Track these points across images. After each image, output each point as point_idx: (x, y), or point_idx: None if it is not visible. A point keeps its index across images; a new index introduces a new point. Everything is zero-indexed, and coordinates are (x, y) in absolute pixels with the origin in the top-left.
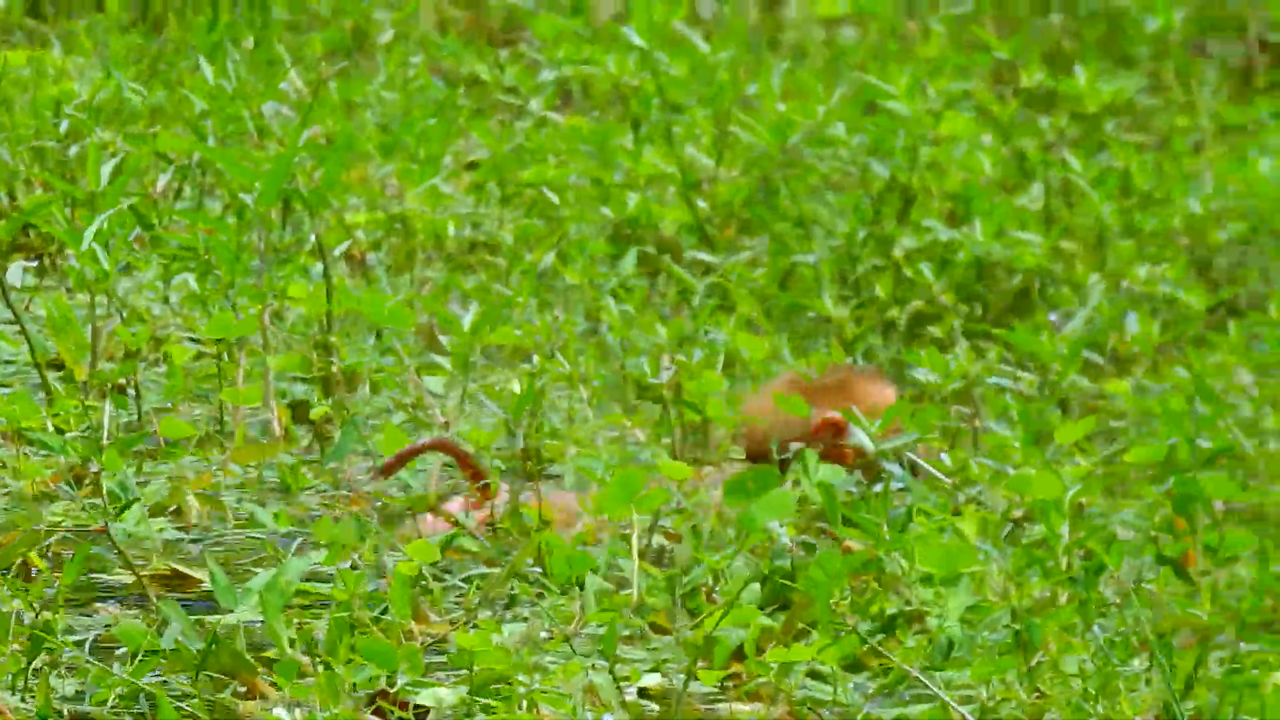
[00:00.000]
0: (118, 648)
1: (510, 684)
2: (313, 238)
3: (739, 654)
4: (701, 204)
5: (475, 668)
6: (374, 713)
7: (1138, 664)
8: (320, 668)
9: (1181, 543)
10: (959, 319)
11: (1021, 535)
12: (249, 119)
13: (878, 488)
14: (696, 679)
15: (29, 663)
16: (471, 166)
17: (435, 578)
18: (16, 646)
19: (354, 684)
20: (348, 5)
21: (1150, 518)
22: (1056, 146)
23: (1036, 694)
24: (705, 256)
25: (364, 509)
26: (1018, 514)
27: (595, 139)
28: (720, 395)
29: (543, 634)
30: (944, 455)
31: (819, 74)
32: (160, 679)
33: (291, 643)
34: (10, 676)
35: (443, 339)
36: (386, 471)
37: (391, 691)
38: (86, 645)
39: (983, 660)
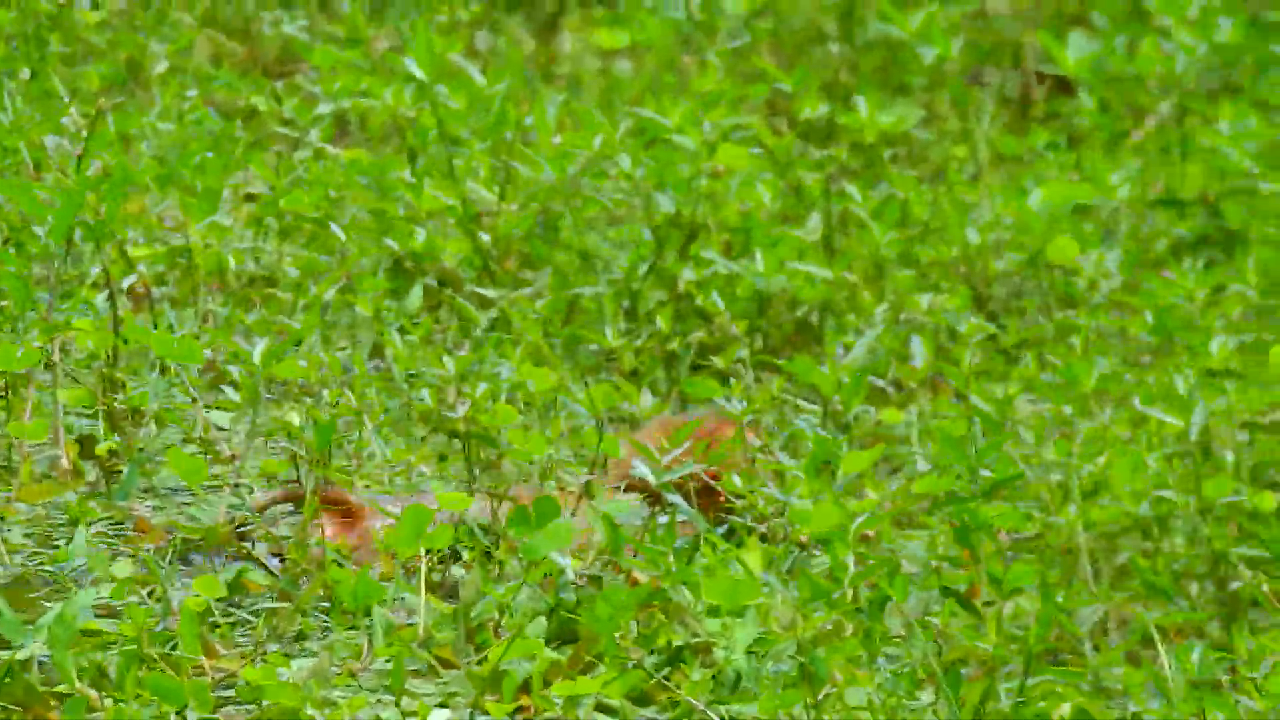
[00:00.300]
0: None
1: (299, 719)
2: (96, 271)
3: (526, 687)
4: (483, 237)
5: (264, 703)
6: None
7: (925, 696)
8: (109, 703)
9: (966, 574)
10: (745, 349)
11: (808, 566)
12: (25, 151)
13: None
14: (484, 713)
15: None
16: (250, 199)
17: (224, 612)
18: None
19: None
20: (123, 38)
21: (935, 549)
22: (835, 177)
23: None
24: (488, 291)
25: (157, 543)
26: (806, 544)
27: (374, 171)
28: (516, 426)
29: (332, 669)
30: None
31: (596, 106)
32: None
33: (80, 677)
34: None
35: (233, 369)
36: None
37: None
38: None
39: (769, 693)
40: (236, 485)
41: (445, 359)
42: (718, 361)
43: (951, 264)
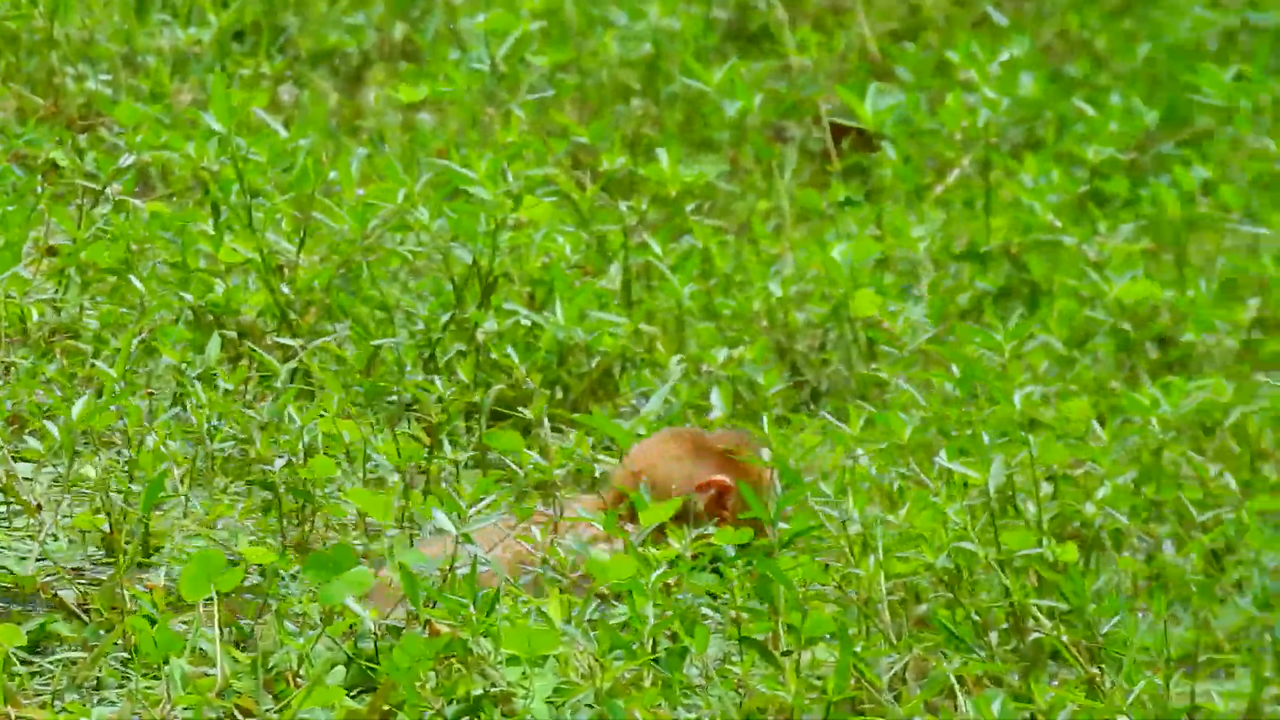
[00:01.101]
0: None
1: None
2: None
3: None
4: (284, 289)
5: None
6: None
7: None
8: None
9: (765, 624)
10: (545, 402)
11: (609, 617)
12: None
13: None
14: None
15: None
16: (52, 252)
17: (25, 661)
18: None
19: None
20: None
21: (736, 598)
22: (637, 230)
23: None
24: (287, 341)
25: None
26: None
27: (175, 224)
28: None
29: (132, 718)
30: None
31: (399, 159)
32: None
33: None
34: None
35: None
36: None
37: None
38: None
39: None
40: (43, 535)
41: (252, 410)
42: (522, 413)
43: (753, 317)
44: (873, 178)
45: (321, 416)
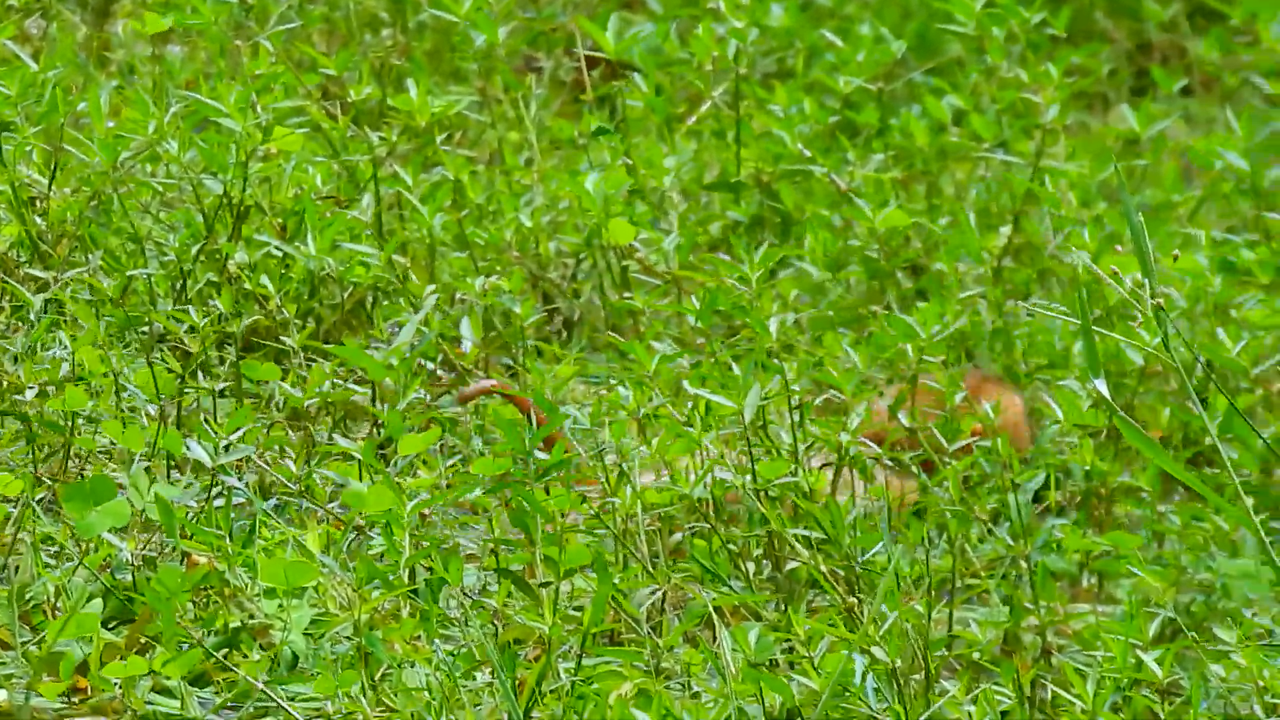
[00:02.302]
0: None
1: None
2: None
3: (84, 669)
4: (36, 221)
5: None
6: None
7: (482, 677)
8: None
9: (523, 555)
10: (297, 331)
11: (367, 549)
12: None
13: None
14: (40, 694)
15: None
16: None
17: None
18: None
19: None
20: None
21: (492, 529)
22: (388, 161)
23: (382, 707)
24: (39, 273)
25: None
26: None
27: None
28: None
29: None
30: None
31: (148, 92)
32: None
33: None
34: None
35: None
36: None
37: None
38: None
39: (327, 673)
40: None
41: (5, 341)
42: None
43: (505, 247)
44: (624, 108)
45: (73, 343)
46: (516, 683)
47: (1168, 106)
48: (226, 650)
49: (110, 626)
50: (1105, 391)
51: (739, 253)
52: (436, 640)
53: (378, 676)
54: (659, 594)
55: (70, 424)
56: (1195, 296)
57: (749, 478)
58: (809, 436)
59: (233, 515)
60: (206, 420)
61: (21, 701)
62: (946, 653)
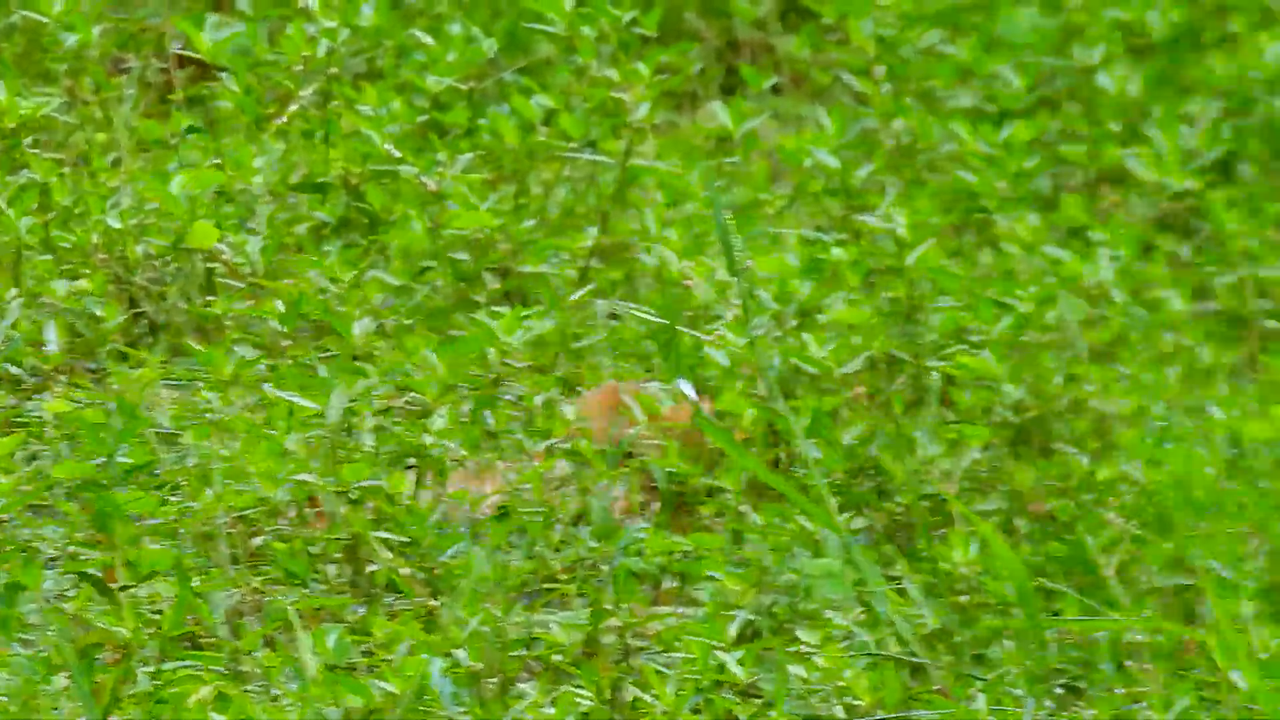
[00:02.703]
0: None
1: None
2: None
3: None
4: None
5: None
6: None
7: (59, 681)
8: None
9: (103, 558)
10: None
11: None
12: None
13: None
14: None
15: None
16: None
17: None
18: None
19: None
20: None
21: (72, 533)
22: None
23: None
24: None
25: None
26: None
27: None
28: None
29: None
30: None
31: None
32: None
33: None
34: None
35: None
36: None
37: None
38: None
39: None
40: None
41: None
42: None
43: (91, 249)
44: (214, 109)
45: None
46: (95, 687)
47: (758, 104)
48: None
49: None
50: (690, 392)
51: (323, 255)
52: (15, 644)
53: None
54: (238, 597)
55: None
56: (784, 297)
57: (332, 480)
58: (392, 440)
59: None
60: None
61: None
62: (526, 654)
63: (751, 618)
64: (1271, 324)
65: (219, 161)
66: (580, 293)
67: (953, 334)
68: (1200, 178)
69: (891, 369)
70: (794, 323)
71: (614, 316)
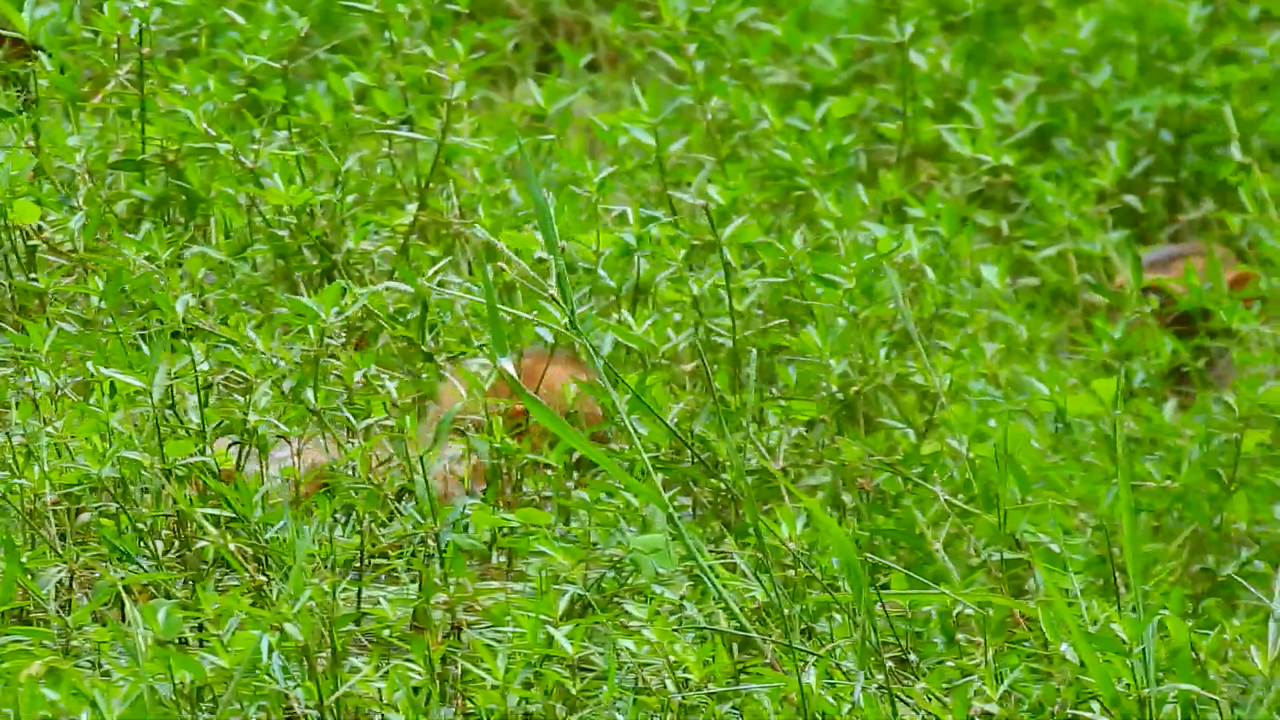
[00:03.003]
0: None
1: None
2: None
3: None
4: None
5: None
6: None
7: None
8: None
9: None
10: None
11: None
12: None
13: None
14: None
15: None
16: None
17: None
18: None
19: None
20: None
21: None
22: None
23: None
24: None
25: None
26: None
27: None
28: None
29: None
30: None
31: None
32: None
33: None
34: None
35: None
36: None
37: None
38: None
39: None
40: None
41: None
42: None
43: None
44: (36, 88)
45: None
46: None
47: (573, 82)
48: None
49: None
50: (510, 369)
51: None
52: None
53: None
54: (67, 573)
55: None
56: (610, 272)
57: (156, 457)
58: (215, 416)
59: None
60: None
61: None
62: (356, 629)
63: (580, 593)
64: (1092, 298)
65: (34, 141)
66: (436, 269)
67: (775, 310)
68: (1017, 152)
69: (714, 345)
70: (614, 299)
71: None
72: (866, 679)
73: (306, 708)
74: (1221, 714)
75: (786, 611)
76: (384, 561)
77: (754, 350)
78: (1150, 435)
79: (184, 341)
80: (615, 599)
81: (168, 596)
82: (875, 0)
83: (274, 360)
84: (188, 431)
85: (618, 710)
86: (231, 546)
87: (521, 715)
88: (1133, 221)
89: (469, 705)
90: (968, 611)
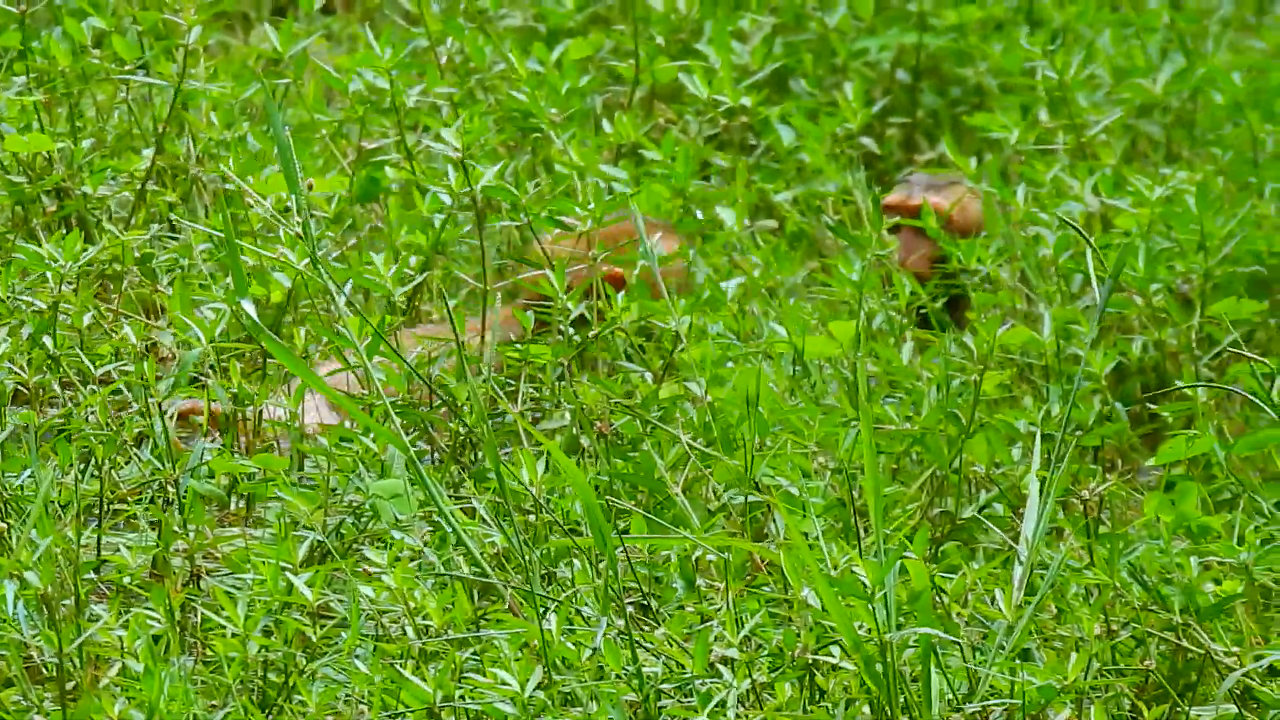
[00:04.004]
0: None
1: None
2: None
3: None
4: None
5: None
6: None
7: None
8: None
9: None
10: None
11: None
12: None
13: None
14: None
15: None
16: None
17: None
18: None
19: None
20: None
21: None
22: None
23: None
24: None
25: None
26: None
27: None
28: None
29: None
30: None
31: None
32: None
33: None
34: None
35: None
36: None
37: None
38: None
39: None
40: None
41: None
42: None
43: None
44: None
45: None
46: None
47: (309, 26)
48: None
49: None
50: (251, 312)
51: None
52: None
53: None
54: None
55: None
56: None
57: None
58: None
59: None
60: None
61: None
62: (96, 577)
63: (320, 539)
64: (831, 239)
65: None
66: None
67: (514, 252)
68: (755, 94)
69: (454, 287)
70: (354, 242)
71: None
72: (608, 625)
73: (46, 657)
74: (963, 657)
75: (527, 557)
76: (124, 508)
77: (498, 294)
78: (889, 377)
79: None
80: (355, 545)
81: None
82: None
83: (14, 306)
84: None
85: (358, 658)
86: None
87: (261, 663)
88: (867, 163)
89: (209, 653)
90: (709, 556)
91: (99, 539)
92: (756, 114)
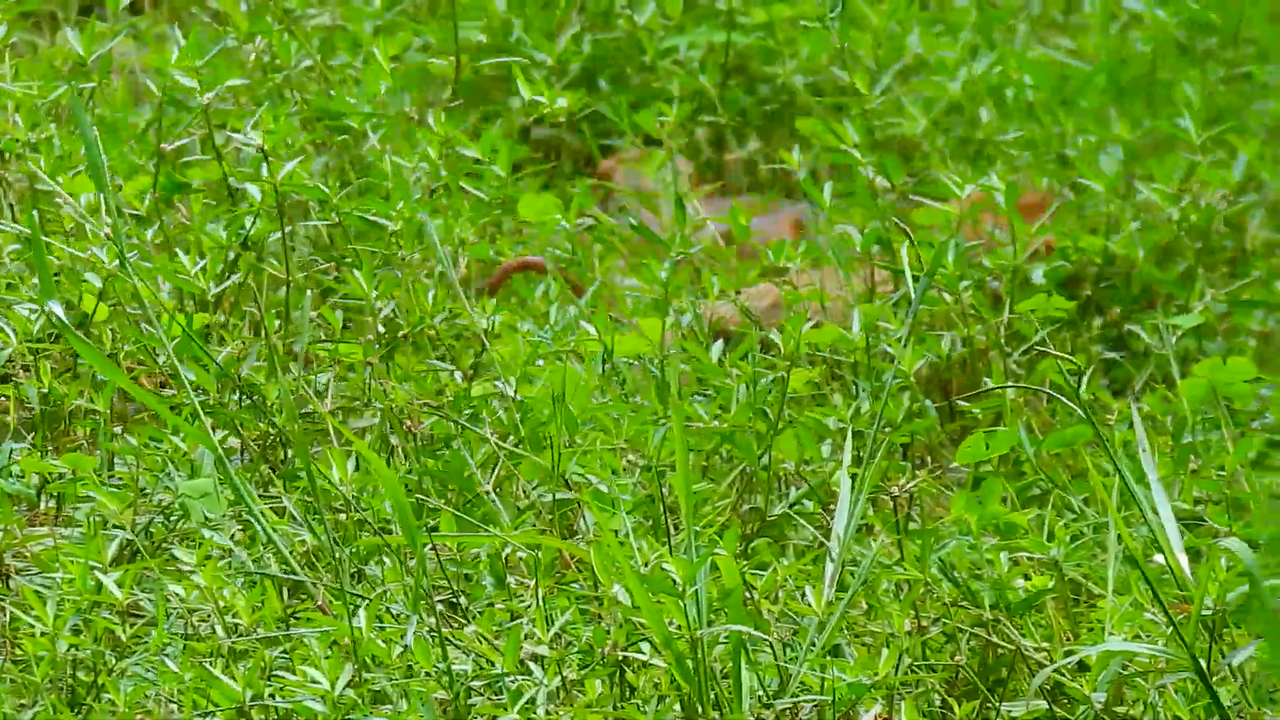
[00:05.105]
0: None
1: None
2: None
3: None
4: None
5: None
6: None
7: None
8: None
9: None
10: None
11: None
12: None
13: None
14: None
15: None
16: None
17: None
18: None
19: None
20: None
21: None
22: None
23: None
24: None
25: None
26: None
27: None
28: None
29: None
30: None
31: None
32: None
33: None
34: None
35: None
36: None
37: None
38: None
39: None
40: None
41: None
42: None
43: None
44: None
45: None
46: None
47: (116, 25)
48: None
49: None
50: (60, 312)
51: None
52: None
53: None
54: None
55: None
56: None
57: None
58: None
59: None
60: None
61: None
62: None
63: (129, 538)
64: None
65: None
66: None
67: (323, 251)
68: (571, 94)
69: (266, 285)
70: (161, 240)
71: None
72: (418, 623)
73: None
74: (774, 653)
75: (337, 555)
76: None
77: (309, 291)
78: (698, 375)
79: None
80: (164, 544)
81: None
82: None
83: None
84: None
85: (167, 656)
86: None
87: (70, 662)
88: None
89: (18, 652)
90: (519, 554)
91: None
92: (573, 113)
